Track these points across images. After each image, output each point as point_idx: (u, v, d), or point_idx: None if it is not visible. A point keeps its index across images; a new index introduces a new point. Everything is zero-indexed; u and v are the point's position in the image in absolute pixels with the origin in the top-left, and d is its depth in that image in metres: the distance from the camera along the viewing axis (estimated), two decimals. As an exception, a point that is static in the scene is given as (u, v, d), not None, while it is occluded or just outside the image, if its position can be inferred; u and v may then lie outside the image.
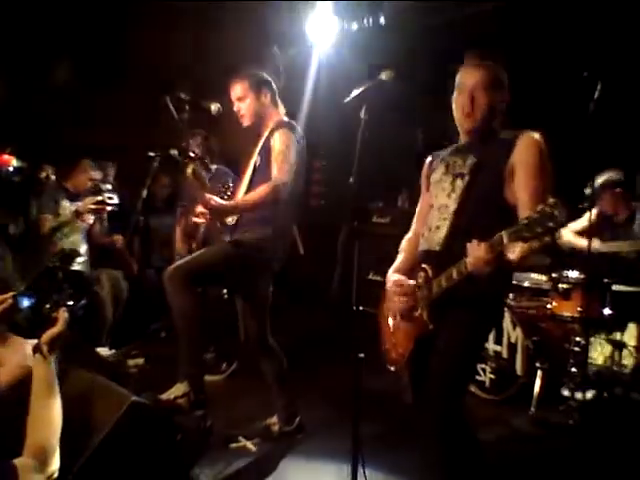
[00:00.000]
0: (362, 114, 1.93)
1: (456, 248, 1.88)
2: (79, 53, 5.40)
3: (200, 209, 2.74)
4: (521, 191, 1.91)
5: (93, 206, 3.97)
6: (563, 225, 1.58)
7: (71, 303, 1.48)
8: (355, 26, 5.45)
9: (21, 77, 5.10)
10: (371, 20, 5.37)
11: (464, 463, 1.91)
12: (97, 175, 4.21)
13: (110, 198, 4.03)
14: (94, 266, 4.42)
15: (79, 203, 4.06)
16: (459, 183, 2.01)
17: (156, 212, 4.94)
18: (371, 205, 5.74)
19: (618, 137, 4.08)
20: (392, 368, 2.16)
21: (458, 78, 2.07)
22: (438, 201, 2.07)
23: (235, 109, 2.91)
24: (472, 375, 2.11)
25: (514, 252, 1.69)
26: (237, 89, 2.88)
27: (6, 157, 4.15)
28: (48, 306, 1.44)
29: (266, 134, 2.87)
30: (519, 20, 4.49)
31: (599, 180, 3.65)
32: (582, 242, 3.52)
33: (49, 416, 1.41)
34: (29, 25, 5.02)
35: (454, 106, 2.07)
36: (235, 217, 2.83)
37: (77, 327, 1.50)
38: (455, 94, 2.06)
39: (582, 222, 3.72)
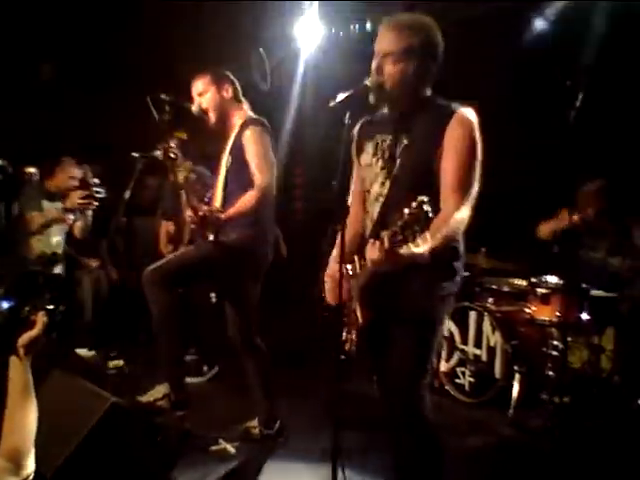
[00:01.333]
0: (346, 119, 1.94)
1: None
2: (63, 53, 5.36)
3: (190, 215, 2.68)
4: (446, 176, 1.83)
5: (81, 200, 3.88)
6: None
7: (51, 307, 1.46)
8: (342, 33, 5.48)
9: (4, 76, 5.04)
10: (357, 27, 5.40)
11: (424, 459, 1.92)
12: (79, 173, 4.16)
13: (98, 192, 3.93)
14: (76, 267, 4.37)
15: (58, 204, 4.01)
16: (391, 169, 1.93)
17: (141, 213, 4.90)
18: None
19: (601, 146, 4.15)
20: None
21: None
22: (374, 189, 1.99)
23: (195, 107, 2.82)
24: (428, 363, 2.06)
25: (419, 246, 1.58)
26: (198, 84, 2.83)
27: (-14, 156, 4.09)
28: (27, 309, 1.43)
29: (236, 131, 2.82)
30: (504, 29, 4.54)
31: (588, 186, 3.70)
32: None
33: (24, 418, 1.40)
34: (13, 25, 4.98)
35: None
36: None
37: (55, 331, 1.49)
38: None
39: (561, 222, 3.71)
